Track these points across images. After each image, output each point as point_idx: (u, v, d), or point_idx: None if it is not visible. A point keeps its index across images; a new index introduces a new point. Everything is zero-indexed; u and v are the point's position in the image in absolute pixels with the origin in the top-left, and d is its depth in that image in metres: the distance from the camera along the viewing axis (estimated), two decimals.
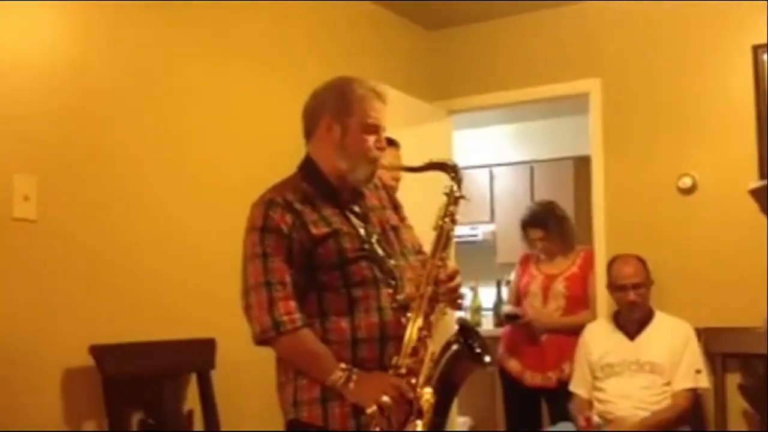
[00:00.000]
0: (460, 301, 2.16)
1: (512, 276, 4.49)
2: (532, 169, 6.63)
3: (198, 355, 3.07)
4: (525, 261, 4.34)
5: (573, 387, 3.68)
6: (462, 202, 2.20)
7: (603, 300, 3.98)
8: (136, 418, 2.85)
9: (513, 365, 4.11)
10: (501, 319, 4.79)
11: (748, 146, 3.84)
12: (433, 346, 2.07)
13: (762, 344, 3.49)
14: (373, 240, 2.14)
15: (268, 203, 2.11)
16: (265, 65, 3.61)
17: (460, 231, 2.44)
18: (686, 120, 4.05)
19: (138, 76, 3.02)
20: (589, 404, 3.58)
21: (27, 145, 2.63)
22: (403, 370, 2.01)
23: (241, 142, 3.46)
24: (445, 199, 2.17)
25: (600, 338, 3.68)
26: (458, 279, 2.14)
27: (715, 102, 3.98)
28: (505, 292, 5.39)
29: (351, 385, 2.00)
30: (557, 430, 3.66)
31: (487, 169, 6.68)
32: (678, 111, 4.07)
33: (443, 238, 2.13)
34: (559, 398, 3.80)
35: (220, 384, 3.10)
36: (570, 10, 4.38)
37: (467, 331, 2.10)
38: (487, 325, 6.00)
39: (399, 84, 4.10)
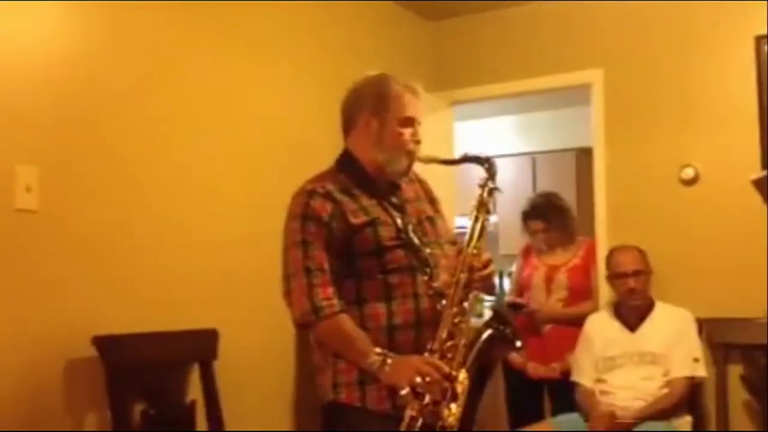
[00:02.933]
0: (494, 287, 2.27)
1: (514, 267, 4.49)
2: (534, 161, 6.62)
3: (200, 346, 3.08)
4: (526, 252, 4.34)
5: (576, 377, 3.68)
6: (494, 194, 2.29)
7: (604, 291, 3.99)
8: (138, 409, 2.86)
9: (515, 356, 4.11)
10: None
11: (751, 137, 3.82)
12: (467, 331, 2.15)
13: (763, 335, 3.49)
14: (410, 229, 2.22)
15: (309, 193, 2.22)
16: (267, 58, 3.60)
17: (461, 222, 2.54)
18: (688, 111, 4.04)
19: (140, 66, 3.01)
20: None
21: (29, 136, 2.63)
22: (438, 355, 2.09)
23: (243, 132, 3.45)
24: (479, 190, 2.25)
25: (601, 330, 3.68)
26: (492, 267, 2.23)
27: (718, 93, 3.97)
28: (507, 283, 5.39)
29: (386, 368, 2.08)
30: (562, 420, 3.66)
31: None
32: (680, 102, 4.06)
33: (477, 228, 2.20)
34: (563, 389, 3.80)
35: (223, 374, 3.11)
36: (572, 2, 4.36)
37: (500, 316, 2.20)
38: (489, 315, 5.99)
39: (401, 75, 4.08)
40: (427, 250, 2.22)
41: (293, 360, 3.62)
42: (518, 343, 2.19)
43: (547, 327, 4.05)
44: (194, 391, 3.07)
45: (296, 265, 2.15)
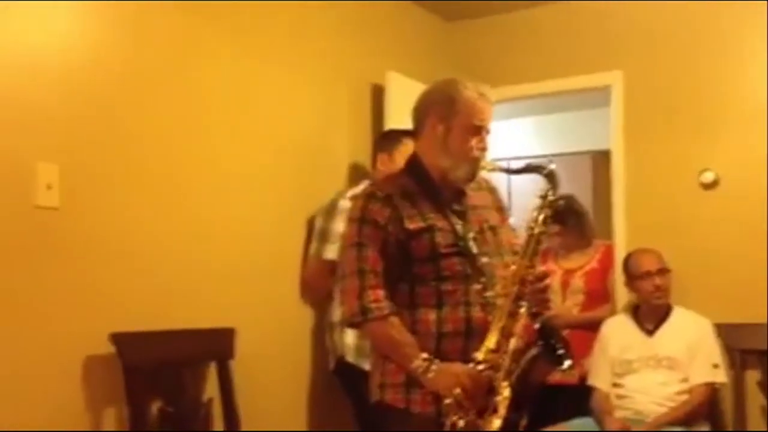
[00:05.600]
0: (548, 302, 2.21)
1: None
2: (551, 163, 6.59)
3: (218, 344, 3.09)
4: (543, 256, 4.30)
5: (592, 381, 3.66)
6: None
7: (621, 296, 3.96)
8: (156, 406, 2.87)
9: None
10: None
11: None
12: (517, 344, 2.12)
13: None
14: (469, 237, 2.21)
15: (368, 196, 2.23)
16: (285, 57, 3.60)
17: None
18: (708, 114, 4.02)
19: (159, 66, 3.02)
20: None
21: (49, 134, 2.64)
22: (482, 366, 2.08)
23: (262, 132, 3.46)
24: (539, 202, 2.23)
25: (619, 334, 3.66)
26: (546, 281, 2.20)
27: (738, 96, 3.94)
28: None
29: (430, 374, 2.09)
30: (576, 424, 3.64)
31: (505, 163, 6.63)
32: (700, 105, 4.04)
33: (533, 240, 2.18)
34: (578, 393, 3.78)
35: (240, 373, 3.11)
36: (592, 3, 4.34)
37: (549, 332, 2.17)
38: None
39: (418, 75, 4.09)
40: (484, 260, 2.20)
41: (310, 359, 3.62)
42: (567, 363, 2.16)
43: (564, 332, 4.02)
44: (211, 390, 3.08)
45: (350, 267, 2.18)
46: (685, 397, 3.43)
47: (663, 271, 3.61)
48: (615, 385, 3.57)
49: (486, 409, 2.06)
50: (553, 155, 6.58)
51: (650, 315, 3.62)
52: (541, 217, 2.20)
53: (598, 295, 4.05)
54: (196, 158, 3.15)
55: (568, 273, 4.10)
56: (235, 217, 3.28)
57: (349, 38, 3.98)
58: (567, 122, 6.65)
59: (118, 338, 2.71)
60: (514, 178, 6.44)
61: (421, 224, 2.17)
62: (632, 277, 3.69)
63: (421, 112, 2.31)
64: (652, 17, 4.18)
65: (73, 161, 2.70)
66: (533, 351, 2.12)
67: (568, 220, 4.14)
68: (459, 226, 2.21)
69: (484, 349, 2.09)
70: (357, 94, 4.04)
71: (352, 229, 2.21)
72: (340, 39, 3.92)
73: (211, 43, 3.23)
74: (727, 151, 3.95)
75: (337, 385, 3.51)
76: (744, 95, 3.92)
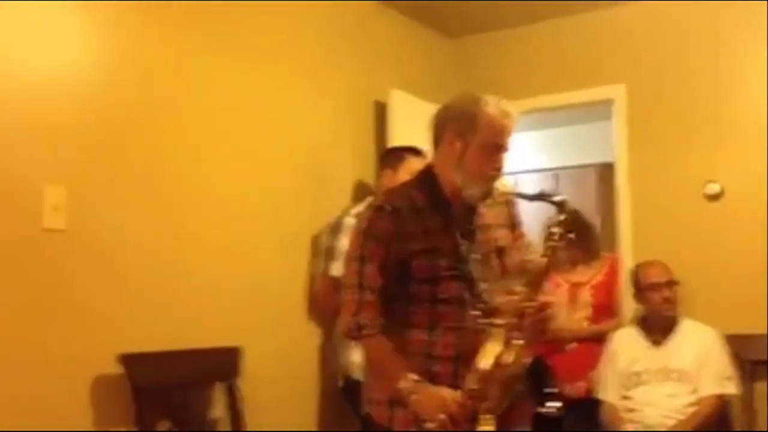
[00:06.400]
0: (544, 334, 2.15)
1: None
2: (556, 176, 6.60)
3: (224, 364, 3.09)
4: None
5: (601, 394, 3.65)
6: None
7: (628, 308, 3.95)
8: (164, 426, 2.87)
9: None
10: None
11: None
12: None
13: None
14: (472, 259, 2.17)
15: (376, 209, 2.19)
16: (288, 76, 3.63)
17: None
18: (712, 125, 4.02)
19: (164, 86, 3.05)
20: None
21: (56, 156, 2.67)
22: (469, 394, 2.03)
23: (267, 151, 3.48)
24: (547, 233, 2.17)
25: (627, 346, 3.65)
26: (545, 314, 2.13)
27: (741, 108, 3.95)
28: None
29: (414, 396, 2.06)
30: None
31: (511, 176, 6.66)
32: (703, 117, 4.04)
33: (538, 272, 2.13)
34: (586, 407, 3.77)
35: (247, 392, 3.12)
36: (594, 17, 4.37)
37: (540, 369, 2.14)
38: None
39: (421, 92, 4.11)
40: (484, 286, 2.15)
41: (317, 377, 3.62)
42: (554, 405, 2.11)
43: (572, 345, 4.01)
44: (219, 409, 3.08)
45: (351, 279, 2.16)
46: (694, 409, 3.42)
47: (671, 283, 3.61)
48: (624, 397, 3.55)
49: None
50: (559, 168, 6.61)
51: (658, 327, 3.61)
52: (548, 250, 2.14)
53: (606, 308, 4.04)
54: (201, 179, 3.17)
55: (575, 286, 4.09)
56: (240, 237, 3.30)
57: (353, 56, 4.01)
58: (572, 135, 6.66)
59: (126, 359, 2.72)
60: (522, 189, 6.45)
61: (425, 245, 2.13)
62: (640, 289, 3.69)
63: (440, 125, 2.23)
64: (654, 31, 4.20)
65: (79, 183, 2.72)
66: (521, 387, 2.08)
67: (574, 234, 4.14)
68: (464, 247, 2.16)
69: (470, 378, 2.04)
70: (360, 112, 4.06)
71: (356, 240, 2.19)
72: (344, 57, 3.95)
73: (215, 63, 3.26)
74: (731, 163, 3.95)
75: (346, 404, 3.51)
76: (747, 106, 3.93)
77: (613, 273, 4.10)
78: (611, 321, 3.99)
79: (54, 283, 2.63)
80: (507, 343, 2.06)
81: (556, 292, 4.13)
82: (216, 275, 3.17)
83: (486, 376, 2.03)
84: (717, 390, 3.45)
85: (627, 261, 4.09)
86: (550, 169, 6.66)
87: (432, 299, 2.13)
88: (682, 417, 3.40)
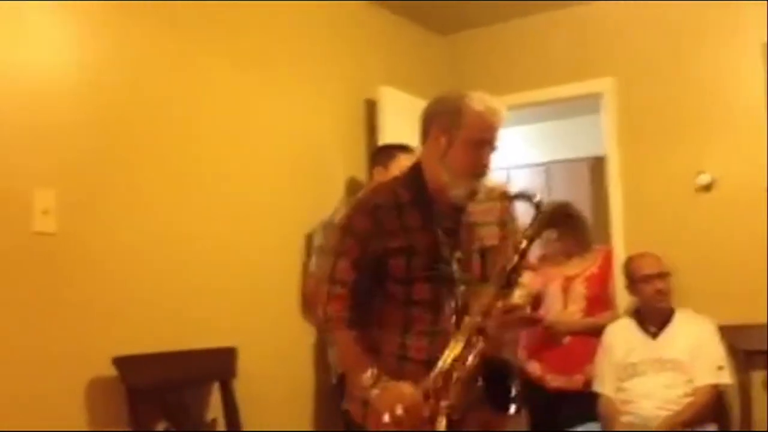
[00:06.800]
0: (509, 338, 2.13)
1: (526, 278, 4.40)
2: (548, 171, 6.61)
3: (220, 364, 3.09)
4: (541, 262, 4.30)
5: (598, 387, 3.65)
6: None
7: (622, 300, 3.96)
8: (159, 428, 2.87)
9: (533, 368, 4.07)
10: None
11: (765, 142, 3.80)
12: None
13: None
14: (453, 259, 2.13)
15: (357, 205, 2.19)
16: (278, 74, 3.63)
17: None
18: (701, 117, 4.03)
19: (157, 90, 3.05)
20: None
21: (45, 159, 2.66)
22: (428, 393, 1.99)
23: (257, 150, 3.48)
24: (520, 234, 2.14)
25: (622, 338, 3.66)
26: (513, 317, 2.09)
27: (730, 99, 3.96)
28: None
29: (375, 390, 2.03)
30: (583, 430, 3.63)
31: (503, 171, 6.67)
32: (692, 108, 4.05)
33: (507, 273, 2.08)
34: (584, 400, 3.77)
35: (242, 392, 3.11)
36: (582, 10, 4.37)
37: (502, 368, 2.05)
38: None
39: (411, 89, 4.11)
40: (462, 287, 2.12)
41: (312, 376, 3.62)
42: (511, 409, 2.01)
43: (567, 338, 4.01)
44: (215, 409, 3.08)
45: (325, 273, 2.17)
46: (689, 399, 3.42)
47: (663, 274, 3.61)
48: (619, 389, 3.56)
49: None
50: (551, 162, 6.62)
51: (653, 318, 3.62)
52: (520, 252, 2.09)
53: (600, 301, 4.04)
54: (192, 179, 3.16)
55: (569, 279, 4.09)
56: (233, 236, 3.29)
57: (343, 54, 4.01)
58: (564, 129, 6.67)
59: (120, 361, 2.72)
60: (514, 184, 6.40)
61: (402, 243, 2.09)
62: (633, 281, 3.69)
63: (426, 121, 2.20)
64: (642, 24, 4.21)
65: (69, 186, 2.72)
66: (478, 390, 2.02)
67: (565, 226, 4.15)
68: (446, 247, 2.12)
69: (432, 377, 2.00)
70: (352, 110, 4.05)
71: (336, 236, 2.19)
72: (334, 55, 3.95)
73: (206, 64, 3.26)
74: (722, 153, 3.96)
75: (339, 401, 3.50)
76: (736, 96, 3.94)
77: (606, 265, 4.10)
78: (606, 313, 3.99)
79: (45, 287, 2.62)
80: (469, 343, 2.02)
81: (547, 285, 4.14)
82: (210, 275, 3.17)
83: (445, 374, 2.00)
84: (711, 380, 3.46)
85: (620, 253, 4.09)
86: (542, 164, 6.67)
87: (407, 300, 2.10)
88: (677, 407, 3.41)
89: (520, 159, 6.73)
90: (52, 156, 2.68)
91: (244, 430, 3.09)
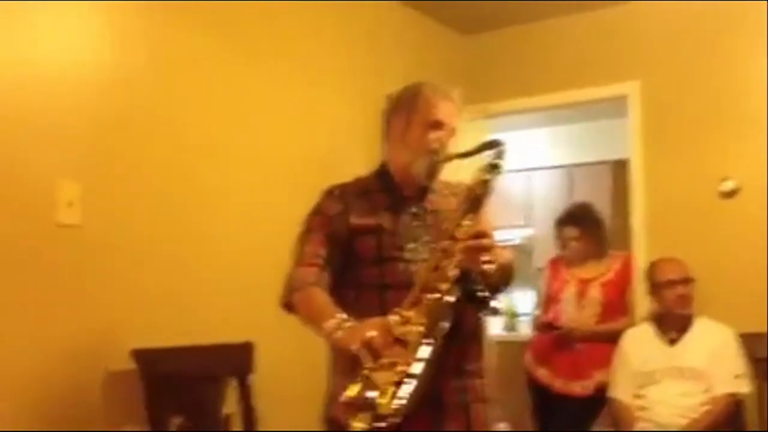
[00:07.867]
0: (480, 262, 1.98)
1: (541, 280, 4.36)
2: (570, 173, 6.58)
3: (237, 359, 3.10)
4: (555, 264, 4.25)
5: (614, 393, 3.63)
6: (500, 206, 2.18)
7: (641, 306, 3.93)
8: (176, 422, 2.88)
9: (542, 373, 4.04)
10: (536, 327, 4.36)
11: None
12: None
13: None
14: (420, 242, 2.15)
15: (325, 192, 2.27)
16: (299, 73, 3.63)
17: (496, 235, 2.22)
18: (727, 122, 4.00)
19: (177, 84, 3.07)
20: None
21: (70, 151, 2.68)
22: (399, 319, 1.91)
23: (278, 147, 3.49)
24: (484, 165, 2.12)
25: (640, 344, 3.64)
26: (478, 242, 1.99)
27: (756, 105, 3.92)
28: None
29: (339, 332, 1.96)
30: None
31: (525, 173, 6.64)
32: (718, 114, 4.02)
33: (470, 200, 2.06)
34: (595, 406, 3.75)
35: (259, 387, 3.12)
36: (608, 13, 4.34)
37: (466, 278, 1.98)
38: (524, 330, 5.96)
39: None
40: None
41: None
42: (493, 304, 1.99)
43: (579, 343, 3.97)
44: (231, 405, 3.09)
45: (294, 250, 2.21)
46: (707, 407, 3.40)
47: (687, 280, 3.58)
48: (636, 396, 3.54)
49: (396, 363, 1.86)
50: (573, 165, 6.59)
51: (673, 325, 3.59)
52: (482, 180, 2.06)
53: (615, 307, 4.00)
54: (215, 176, 3.18)
55: (584, 282, 4.05)
56: (253, 232, 3.31)
57: (364, 53, 4.01)
58: (586, 132, 6.63)
59: (138, 354, 2.73)
60: (536, 186, 6.28)
61: (368, 221, 2.15)
62: (655, 286, 3.67)
63: (387, 114, 2.32)
64: (668, 27, 4.18)
65: (94, 179, 2.74)
66: (451, 298, 1.94)
67: (587, 226, 4.11)
68: (412, 230, 2.15)
69: (406, 302, 1.93)
70: (374, 110, 4.04)
71: (304, 221, 2.24)
72: (357, 55, 3.95)
73: (230, 61, 3.27)
74: (746, 159, 3.93)
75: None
76: (762, 102, 3.89)
77: (624, 271, 4.07)
78: (621, 320, 3.96)
79: (68, 279, 2.65)
80: (437, 268, 1.98)
81: (562, 289, 4.11)
82: (230, 270, 3.18)
83: (413, 302, 1.94)
84: (730, 389, 3.43)
85: (641, 258, 4.07)
86: (564, 166, 6.64)
87: (381, 284, 2.11)
88: (694, 416, 3.39)
89: (543, 161, 6.70)
90: (77, 149, 2.70)
91: (261, 425, 3.09)
